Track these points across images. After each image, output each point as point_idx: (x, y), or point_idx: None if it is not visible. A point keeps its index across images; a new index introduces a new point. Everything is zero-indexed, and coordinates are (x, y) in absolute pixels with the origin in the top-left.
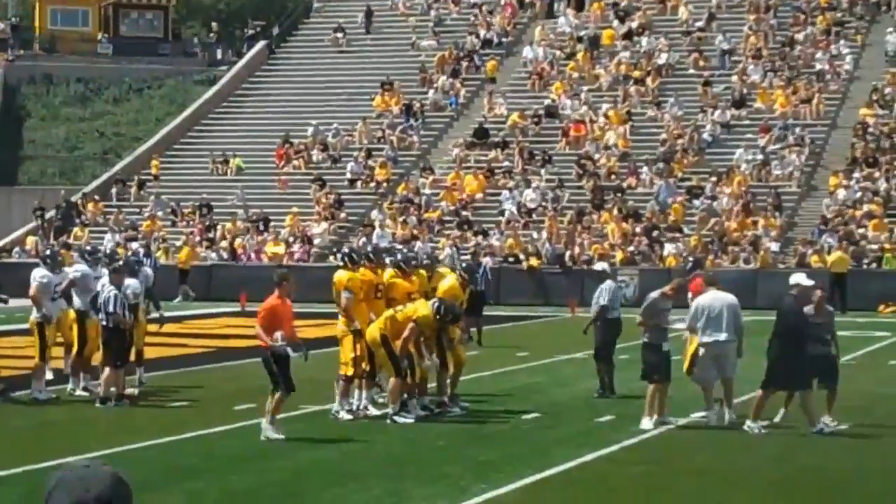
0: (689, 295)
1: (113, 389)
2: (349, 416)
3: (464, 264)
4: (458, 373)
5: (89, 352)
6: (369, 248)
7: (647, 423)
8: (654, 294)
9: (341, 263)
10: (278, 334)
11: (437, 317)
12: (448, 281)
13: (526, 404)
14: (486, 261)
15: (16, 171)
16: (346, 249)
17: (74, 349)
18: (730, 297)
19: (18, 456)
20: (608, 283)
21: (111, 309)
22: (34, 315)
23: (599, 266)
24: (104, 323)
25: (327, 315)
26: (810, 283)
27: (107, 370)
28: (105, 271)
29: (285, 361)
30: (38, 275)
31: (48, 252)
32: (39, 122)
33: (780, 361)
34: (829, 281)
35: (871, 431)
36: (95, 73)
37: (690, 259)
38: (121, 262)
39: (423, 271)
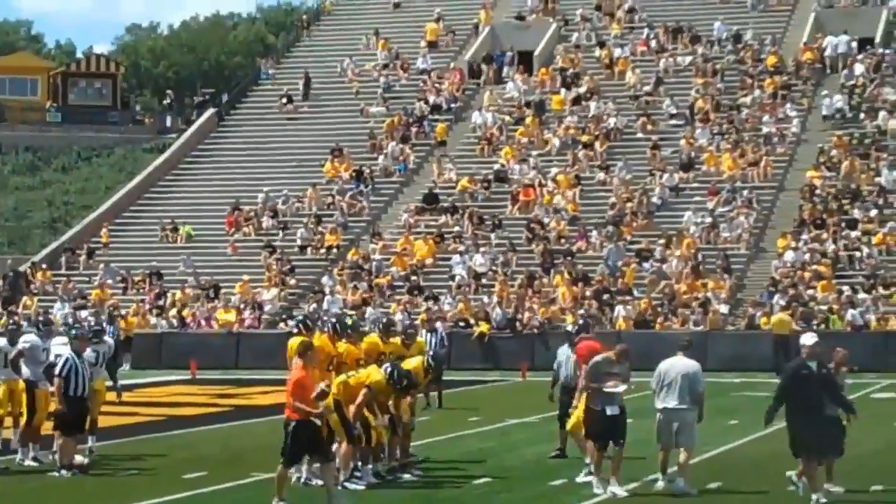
0: (573, 358)
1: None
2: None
3: (432, 353)
4: (407, 439)
5: (38, 421)
6: (334, 320)
7: (611, 487)
8: (598, 357)
9: (295, 330)
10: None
11: (391, 382)
12: (413, 362)
13: (478, 469)
14: (439, 326)
15: None
16: (300, 316)
17: (23, 419)
18: (689, 364)
19: None
20: (564, 348)
21: (64, 374)
22: None
23: (569, 326)
24: (65, 391)
25: (277, 381)
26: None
27: (63, 439)
28: (57, 340)
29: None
30: (23, 339)
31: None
32: None
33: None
34: (773, 343)
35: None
36: (44, 141)
37: (580, 321)
38: (84, 330)
39: (396, 339)
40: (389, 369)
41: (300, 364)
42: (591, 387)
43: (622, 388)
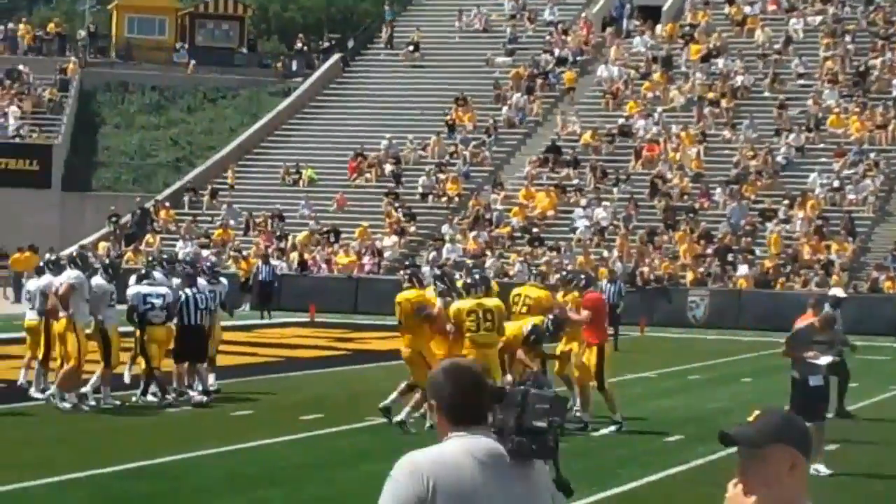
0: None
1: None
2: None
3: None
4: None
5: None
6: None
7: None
8: (800, 324)
9: (407, 284)
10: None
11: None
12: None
13: (595, 423)
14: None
15: (90, 178)
16: (409, 270)
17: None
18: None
19: (86, 460)
20: None
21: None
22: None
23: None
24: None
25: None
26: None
27: (178, 366)
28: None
29: None
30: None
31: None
32: (114, 130)
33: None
34: None
35: None
36: (170, 81)
37: (582, 276)
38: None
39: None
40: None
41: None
42: (792, 355)
43: (826, 359)
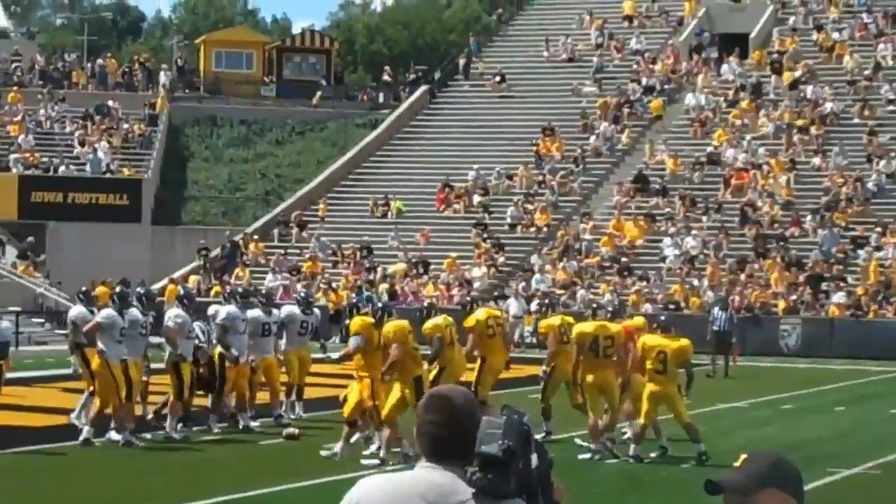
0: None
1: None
2: None
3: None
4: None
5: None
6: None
7: None
8: None
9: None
10: None
11: None
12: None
13: (686, 452)
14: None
15: (179, 211)
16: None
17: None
18: None
19: (181, 491)
20: None
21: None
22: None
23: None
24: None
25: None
26: None
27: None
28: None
29: None
30: (173, 314)
31: (183, 293)
32: (203, 163)
33: None
34: None
35: None
36: (258, 115)
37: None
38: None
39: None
40: None
41: None
42: None
43: None
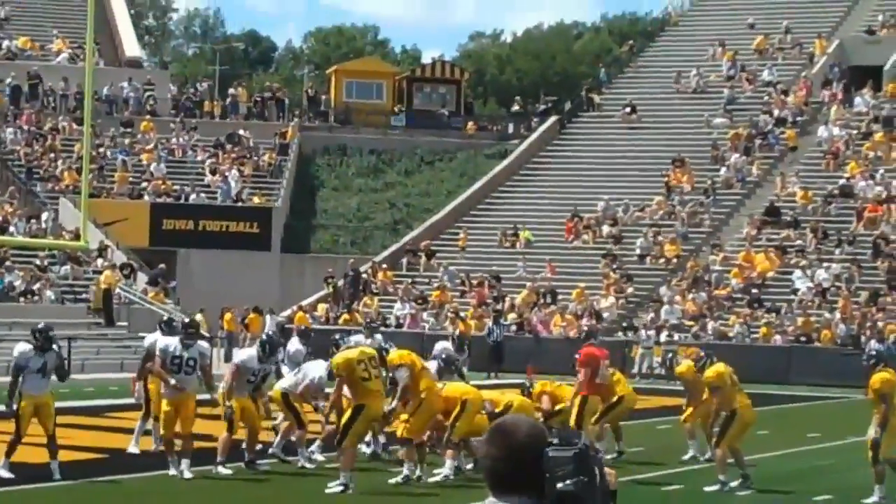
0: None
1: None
2: None
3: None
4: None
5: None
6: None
7: None
8: None
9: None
10: None
11: None
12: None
13: (818, 486)
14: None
15: (308, 240)
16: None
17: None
18: None
19: None
20: None
21: None
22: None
23: None
24: None
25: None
26: None
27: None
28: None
29: None
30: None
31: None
32: (332, 192)
33: None
34: None
35: None
36: (388, 144)
37: (584, 328)
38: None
39: None
40: None
41: None
42: None
43: None
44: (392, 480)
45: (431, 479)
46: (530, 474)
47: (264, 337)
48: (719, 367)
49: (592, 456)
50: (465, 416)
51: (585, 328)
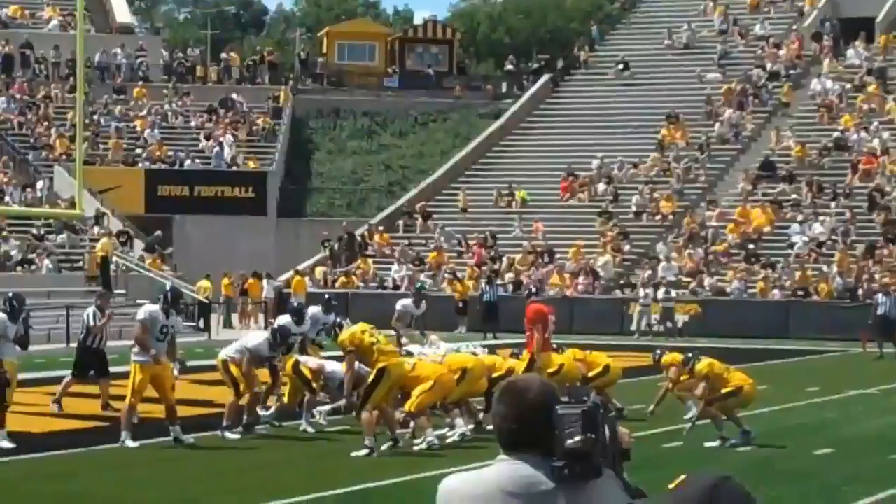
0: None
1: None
2: None
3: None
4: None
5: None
6: None
7: None
8: None
9: None
10: None
11: None
12: None
13: (817, 440)
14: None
15: (304, 204)
16: None
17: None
18: None
19: (312, 483)
20: None
21: None
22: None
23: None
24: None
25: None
26: None
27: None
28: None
29: None
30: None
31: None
32: (327, 156)
33: None
34: None
35: None
36: (381, 106)
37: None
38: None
39: None
40: None
41: None
42: None
43: None
44: (416, 447)
45: (448, 440)
46: (541, 432)
47: (276, 326)
48: (707, 360)
49: (602, 414)
50: (465, 383)
51: (533, 286)
